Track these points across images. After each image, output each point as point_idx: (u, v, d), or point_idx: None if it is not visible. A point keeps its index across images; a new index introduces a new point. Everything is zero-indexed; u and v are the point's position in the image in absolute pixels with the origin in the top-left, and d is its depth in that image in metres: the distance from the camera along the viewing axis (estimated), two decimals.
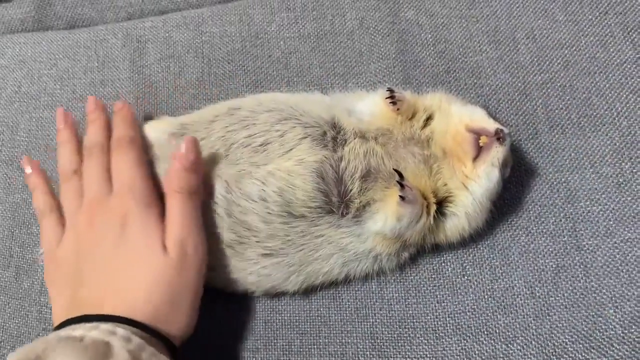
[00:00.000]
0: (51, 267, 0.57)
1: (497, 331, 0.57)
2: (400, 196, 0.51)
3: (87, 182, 0.57)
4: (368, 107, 0.57)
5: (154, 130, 0.60)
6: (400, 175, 0.51)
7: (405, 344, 0.58)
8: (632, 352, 0.54)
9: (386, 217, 0.53)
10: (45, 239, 0.58)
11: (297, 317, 0.60)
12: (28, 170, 0.62)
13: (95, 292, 0.52)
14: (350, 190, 0.53)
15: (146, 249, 0.52)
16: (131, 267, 0.52)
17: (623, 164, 0.59)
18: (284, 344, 0.60)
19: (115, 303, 0.50)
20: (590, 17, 0.64)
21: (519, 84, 0.64)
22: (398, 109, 0.55)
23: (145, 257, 0.51)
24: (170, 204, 0.54)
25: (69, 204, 0.57)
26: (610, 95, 0.61)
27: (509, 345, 0.56)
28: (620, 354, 0.54)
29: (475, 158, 0.54)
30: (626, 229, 0.57)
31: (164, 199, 0.55)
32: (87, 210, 0.55)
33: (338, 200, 0.53)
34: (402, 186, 0.51)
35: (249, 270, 0.55)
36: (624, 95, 0.61)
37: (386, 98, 0.55)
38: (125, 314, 0.49)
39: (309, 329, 0.60)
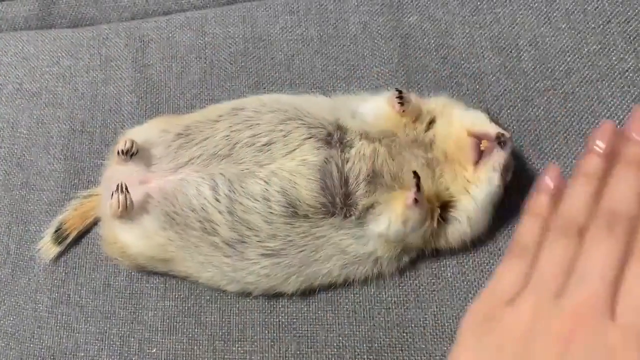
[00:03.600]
0: (484, 316, 0.41)
1: None
2: (415, 199, 0.51)
3: (587, 265, 0.37)
4: (372, 109, 0.57)
5: (159, 129, 0.60)
6: (418, 177, 0.51)
7: (403, 348, 0.57)
8: None
9: (390, 219, 0.53)
10: (500, 276, 0.42)
11: (294, 320, 0.60)
12: (549, 184, 0.44)
13: None
14: (355, 191, 0.53)
15: None
16: None
17: None
18: (281, 346, 0.59)
19: None
20: (592, 25, 0.65)
21: (521, 91, 0.64)
22: (404, 110, 0.55)
23: None
24: None
25: (551, 271, 0.39)
26: (612, 103, 0.61)
27: None
28: None
29: (477, 162, 0.54)
30: None
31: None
32: (569, 318, 0.36)
33: (342, 201, 0.53)
34: (418, 188, 0.51)
35: (248, 269, 0.55)
36: (626, 104, 0.61)
37: (395, 97, 0.55)
38: None
39: (306, 332, 0.59)
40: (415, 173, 0.51)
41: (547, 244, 0.40)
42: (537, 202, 0.44)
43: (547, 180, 0.44)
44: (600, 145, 0.41)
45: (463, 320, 0.42)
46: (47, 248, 0.65)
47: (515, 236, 0.43)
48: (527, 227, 0.43)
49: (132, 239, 0.57)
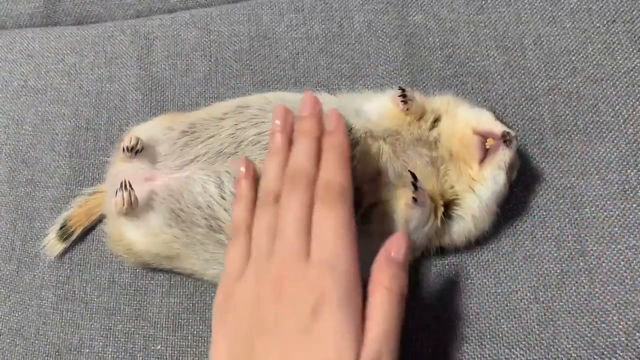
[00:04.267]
0: (224, 298, 0.49)
1: (500, 335, 0.56)
2: (414, 198, 0.51)
3: (284, 223, 0.46)
4: (376, 107, 0.57)
5: (163, 127, 0.60)
6: (415, 176, 0.51)
7: (407, 346, 0.57)
8: (636, 359, 0.54)
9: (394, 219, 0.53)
10: (230, 262, 0.50)
11: None
12: (243, 170, 0.53)
13: None
14: (359, 190, 0.53)
15: (336, 355, 0.41)
16: None
17: (629, 171, 0.59)
18: None
19: None
20: (597, 24, 0.65)
21: (526, 90, 0.64)
22: (408, 109, 0.55)
23: None
24: (374, 301, 0.44)
25: (261, 240, 0.48)
26: (616, 102, 0.61)
27: (512, 349, 0.56)
28: None
29: (482, 160, 0.54)
30: (631, 236, 0.57)
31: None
32: (277, 271, 0.45)
33: None
34: (416, 188, 0.51)
35: None
36: (631, 103, 0.61)
37: (398, 96, 0.55)
38: None
39: None
40: (411, 173, 0.52)
41: (255, 218, 0.49)
42: (238, 188, 0.52)
43: (240, 168, 0.53)
44: (277, 123, 0.51)
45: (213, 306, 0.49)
46: (52, 245, 0.65)
47: (232, 221, 0.51)
48: (236, 211, 0.51)
49: (137, 237, 0.57)
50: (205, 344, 0.60)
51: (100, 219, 0.65)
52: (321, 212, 0.46)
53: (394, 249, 0.46)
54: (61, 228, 0.65)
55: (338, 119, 0.51)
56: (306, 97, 0.53)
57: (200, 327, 0.61)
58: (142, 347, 0.61)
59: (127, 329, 0.62)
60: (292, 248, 0.45)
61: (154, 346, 0.61)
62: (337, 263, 0.44)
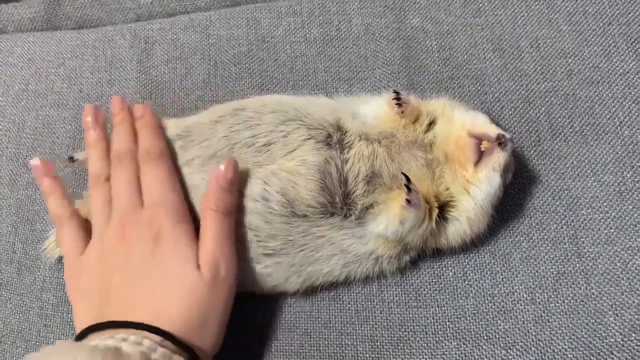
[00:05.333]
0: (73, 274, 0.56)
1: (497, 336, 0.57)
2: (407, 200, 0.51)
3: (116, 192, 0.56)
4: (372, 110, 0.58)
5: None
6: (408, 178, 0.52)
7: (405, 347, 0.58)
8: None
9: (388, 220, 0.53)
10: (67, 246, 0.57)
11: (296, 319, 0.60)
12: (43, 176, 0.60)
13: (124, 304, 0.51)
14: (354, 192, 0.54)
15: (179, 266, 0.51)
16: (163, 283, 0.51)
17: (625, 172, 0.59)
18: (283, 345, 0.60)
19: (144, 314, 0.49)
20: (594, 27, 0.65)
21: (523, 92, 0.64)
22: (403, 112, 0.55)
23: (179, 273, 0.51)
24: (205, 221, 0.53)
25: (99, 212, 0.56)
26: (612, 104, 0.62)
27: (509, 350, 0.56)
28: None
29: (477, 163, 0.55)
30: (627, 237, 0.57)
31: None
32: (118, 223, 0.54)
33: (341, 201, 0.54)
34: (409, 190, 0.51)
35: (249, 269, 0.56)
36: (627, 105, 0.61)
37: (392, 99, 0.55)
38: (153, 324, 0.48)
39: (308, 331, 0.60)
40: (405, 175, 0.52)
41: (90, 198, 0.58)
42: (45, 187, 0.59)
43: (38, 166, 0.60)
44: (89, 120, 0.60)
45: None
46: (53, 248, 0.65)
47: (53, 216, 0.59)
48: (51, 205, 0.58)
49: None
50: None
51: None
52: (145, 171, 0.56)
53: (219, 178, 0.52)
54: None
55: (144, 107, 0.61)
56: (114, 99, 0.62)
57: None
58: None
59: None
60: (128, 205, 0.54)
61: None
62: (166, 201, 0.53)
